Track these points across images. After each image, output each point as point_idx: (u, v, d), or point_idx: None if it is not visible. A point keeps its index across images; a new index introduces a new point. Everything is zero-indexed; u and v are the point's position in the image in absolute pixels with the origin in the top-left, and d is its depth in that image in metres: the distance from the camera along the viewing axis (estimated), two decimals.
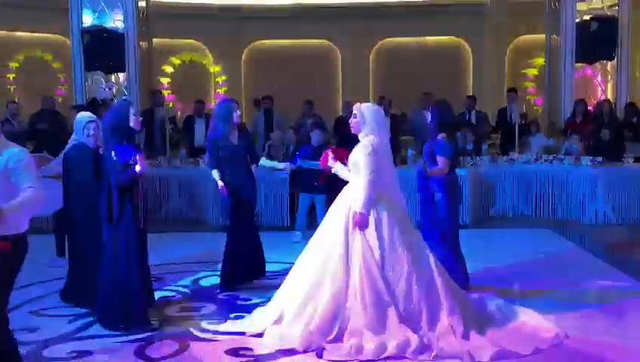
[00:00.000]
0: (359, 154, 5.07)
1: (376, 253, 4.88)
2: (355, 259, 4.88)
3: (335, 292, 4.85)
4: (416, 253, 5.01)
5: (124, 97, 11.53)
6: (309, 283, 4.98)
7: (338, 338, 4.76)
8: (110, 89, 11.89)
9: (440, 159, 6.08)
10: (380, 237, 4.92)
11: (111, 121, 5.33)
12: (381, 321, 4.75)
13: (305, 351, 4.70)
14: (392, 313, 4.77)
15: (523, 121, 11.31)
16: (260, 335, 5.02)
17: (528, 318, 5.27)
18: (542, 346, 4.79)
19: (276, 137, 11.11)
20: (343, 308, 4.82)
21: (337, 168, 5.41)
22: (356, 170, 5.12)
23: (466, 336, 4.80)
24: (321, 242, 5.11)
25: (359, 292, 4.79)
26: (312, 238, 5.27)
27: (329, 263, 4.94)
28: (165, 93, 14.77)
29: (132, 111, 5.31)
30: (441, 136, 6.11)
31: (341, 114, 12.33)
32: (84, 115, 6.12)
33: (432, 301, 4.90)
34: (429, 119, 6.46)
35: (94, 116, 6.15)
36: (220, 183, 6.43)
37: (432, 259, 5.07)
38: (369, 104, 5.36)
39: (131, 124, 5.27)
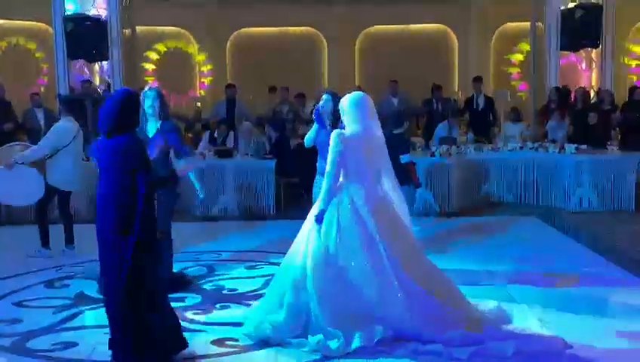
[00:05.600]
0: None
1: (332, 243, 4.68)
2: (309, 251, 4.72)
3: (296, 287, 4.73)
4: (396, 244, 4.74)
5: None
6: (281, 278, 4.93)
7: (303, 333, 4.65)
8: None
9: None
10: (338, 228, 4.69)
11: None
12: (340, 311, 4.59)
13: (278, 345, 4.64)
14: (356, 300, 4.63)
15: (482, 107, 11.61)
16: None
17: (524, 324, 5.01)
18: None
19: (246, 129, 10.81)
20: (305, 303, 4.69)
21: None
22: None
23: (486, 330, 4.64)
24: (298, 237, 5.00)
25: (315, 283, 4.63)
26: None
27: (294, 259, 4.86)
28: (149, 79, 14.67)
29: None
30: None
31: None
32: None
33: (420, 293, 4.67)
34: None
35: None
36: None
37: (420, 251, 4.96)
38: (352, 93, 5.02)
39: None
